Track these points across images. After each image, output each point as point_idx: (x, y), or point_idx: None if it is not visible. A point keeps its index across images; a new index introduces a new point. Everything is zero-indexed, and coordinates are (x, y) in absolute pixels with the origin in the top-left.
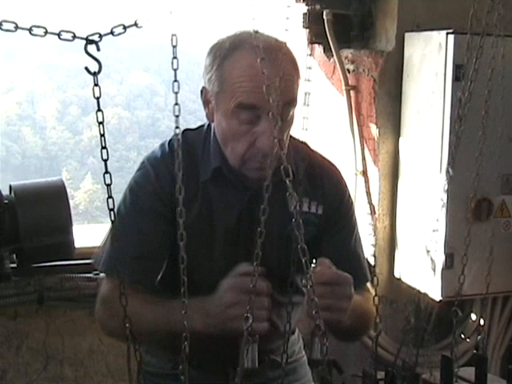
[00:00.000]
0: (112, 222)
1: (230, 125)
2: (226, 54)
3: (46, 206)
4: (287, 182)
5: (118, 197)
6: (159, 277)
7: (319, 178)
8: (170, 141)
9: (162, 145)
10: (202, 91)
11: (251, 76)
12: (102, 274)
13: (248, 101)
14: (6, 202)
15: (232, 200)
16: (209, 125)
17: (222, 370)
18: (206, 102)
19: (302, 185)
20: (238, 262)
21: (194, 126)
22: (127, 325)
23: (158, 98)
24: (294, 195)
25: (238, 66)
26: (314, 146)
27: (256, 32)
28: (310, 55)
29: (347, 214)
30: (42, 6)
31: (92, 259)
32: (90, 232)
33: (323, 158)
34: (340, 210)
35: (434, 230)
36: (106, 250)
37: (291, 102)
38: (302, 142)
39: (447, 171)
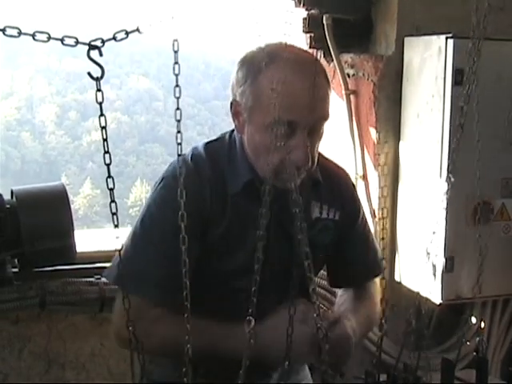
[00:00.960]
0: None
1: (265, 138)
2: (260, 67)
3: (48, 211)
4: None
5: (118, 202)
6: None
7: (336, 185)
8: (193, 155)
9: (183, 160)
10: (232, 104)
11: (288, 92)
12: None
13: (285, 117)
14: (8, 206)
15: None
16: (230, 135)
17: (228, 379)
18: (235, 115)
19: (321, 192)
20: (270, 272)
21: (195, 131)
22: (130, 328)
23: (157, 102)
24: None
25: (273, 81)
26: None
27: (286, 44)
28: None
29: (361, 216)
30: (42, 12)
31: (105, 274)
32: (90, 237)
33: (336, 165)
34: (355, 214)
35: (433, 232)
36: (129, 267)
37: (325, 117)
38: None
39: (448, 178)
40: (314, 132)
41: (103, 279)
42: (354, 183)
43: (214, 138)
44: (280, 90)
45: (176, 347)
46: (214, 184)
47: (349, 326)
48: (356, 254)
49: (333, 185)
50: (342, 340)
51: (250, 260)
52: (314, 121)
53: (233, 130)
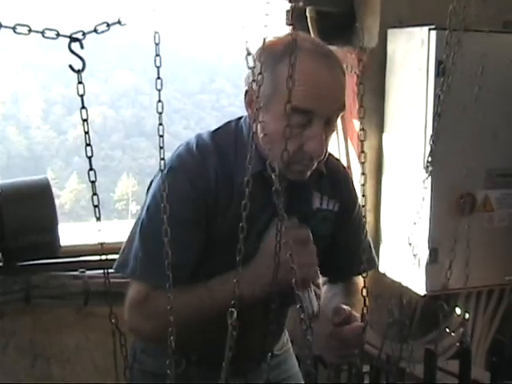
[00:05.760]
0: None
1: (281, 127)
2: (280, 56)
3: (32, 205)
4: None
5: (103, 195)
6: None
7: (336, 177)
8: (198, 144)
9: (188, 149)
10: (246, 92)
11: (308, 81)
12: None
13: (303, 105)
14: None
15: (268, 201)
16: (237, 124)
17: (220, 366)
18: (250, 103)
19: (322, 183)
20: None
21: (181, 125)
22: (113, 320)
23: (143, 96)
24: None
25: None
26: None
27: (304, 35)
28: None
29: (357, 209)
30: (26, 5)
31: (116, 267)
32: (74, 230)
33: (333, 156)
34: (353, 205)
35: (414, 223)
36: (135, 257)
37: (341, 108)
38: None
39: (426, 167)
40: (330, 123)
41: (87, 272)
42: None
43: (218, 126)
44: (299, 78)
45: (183, 316)
46: (220, 173)
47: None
48: (349, 245)
49: (333, 176)
50: (359, 331)
51: (254, 250)
52: (331, 112)
53: (238, 119)
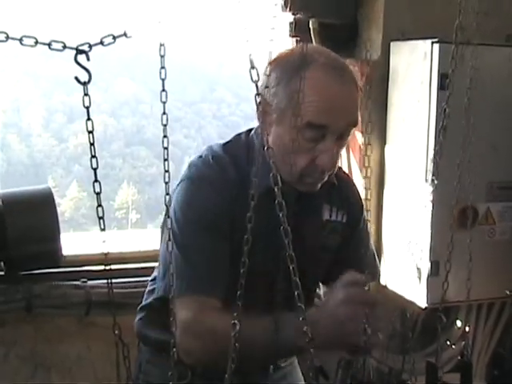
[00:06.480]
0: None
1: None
2: (295, 70)
3: (34, 214)
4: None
5: (103, 204)
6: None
7: (345, 189)
8: (213, 156)
9: (204, 160)
10: (259, 103)
11: (323, 96)
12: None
13: (318, 121)
14: None
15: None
16: (246, 136)
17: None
18: (263, 115)
19: (332, 195)
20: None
21: (181, 134)
22: (116, 332)
23: (143, 105)
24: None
25: (309, 84)
26: None
27: (321, 49)
28: None
29: (364, 219)
30: (30, 15)
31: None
32: (76, 240)
33: (342, 169)
34: (359, 217)
35: (420, 239)
36: (180, 276)
37: (355, 124)
38: None
39: (432, 181)
40: (342, 138)
41: (89, 282)
42: None
43: (228, 139)
44: (314, 93)
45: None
46: (238, 185)
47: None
48: (353, 257)
49: (342, 188)
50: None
51: (270, 261)
52: (344, 127)
53: (249, 131)
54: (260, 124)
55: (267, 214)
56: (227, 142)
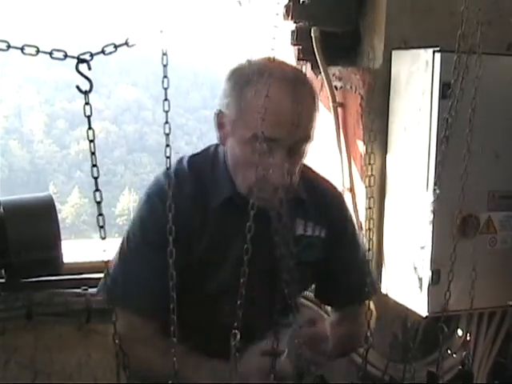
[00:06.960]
0: (120, 250)
1: (244, 152)
2: (247, 81)
3: (35, 222)
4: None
5: (104, 210)
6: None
7: (322, 202)
8: (176, 169)
9: (166, 175)
10: (217, 114)
11: (272, 109)
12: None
13: (266, 133)
14: None
15: (242, 228)
16: (215, 148)
17: None
18: (220, 126)
19: (307, 209)
20: (251, 288)
21: (183, 141)
22: (117, 340)
23: (145, 112)
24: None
25: (258, 97)
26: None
27: (274, 59)
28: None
29: (350, 233)
30: (31, 23)
31: (98, 288)
32: (77, 247)
33: (324, 179)
34: (343, 231)
35: (422, 247)
36: (118, 282)
37: (306, 139)
38: (304, 166)
39: (434, 190)
40: (295, 152)
41: (90, 290)
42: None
43: (200, 150)
44: (263, 106)
45: (158, 371)
46: (195, 198)
47: (326, 328)
48: (344, 271)
49: (319, 202)
50: (318, 336)
51: (230, 276)
52: (294, 141)
53: (218, 144)
54: (218, 136)
55: (224, 227)
56: (196, 154)
